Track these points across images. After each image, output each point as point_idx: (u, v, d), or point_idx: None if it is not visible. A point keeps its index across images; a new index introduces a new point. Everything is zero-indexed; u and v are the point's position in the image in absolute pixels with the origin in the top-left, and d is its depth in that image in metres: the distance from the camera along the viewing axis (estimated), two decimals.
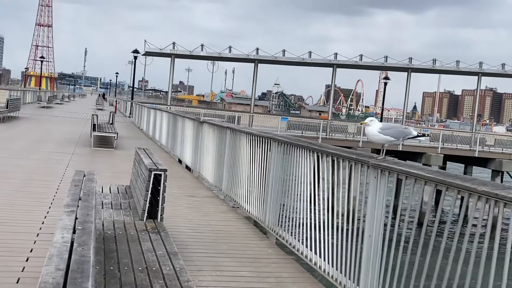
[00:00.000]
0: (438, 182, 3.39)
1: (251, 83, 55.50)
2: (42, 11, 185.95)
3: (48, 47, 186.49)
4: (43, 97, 44.93)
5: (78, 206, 2.83)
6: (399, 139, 4.21)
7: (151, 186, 4.88)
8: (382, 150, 4.30)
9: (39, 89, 72.37)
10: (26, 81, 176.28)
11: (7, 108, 22.70)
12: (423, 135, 4.38)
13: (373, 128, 4.23)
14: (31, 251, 5.19)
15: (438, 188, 3.43)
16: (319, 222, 5.26)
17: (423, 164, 32.77)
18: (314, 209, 5.44)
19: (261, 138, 7.24)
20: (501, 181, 30.83)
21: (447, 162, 36.18)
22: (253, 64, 54.49)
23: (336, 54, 54.56)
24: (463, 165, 36.53)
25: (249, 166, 7.67)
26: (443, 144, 34.69)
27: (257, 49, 54.17)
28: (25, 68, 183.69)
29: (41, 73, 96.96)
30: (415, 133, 4.16)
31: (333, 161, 5.09)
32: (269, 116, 51.68)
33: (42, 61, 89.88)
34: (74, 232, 2.35)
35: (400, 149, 32.70)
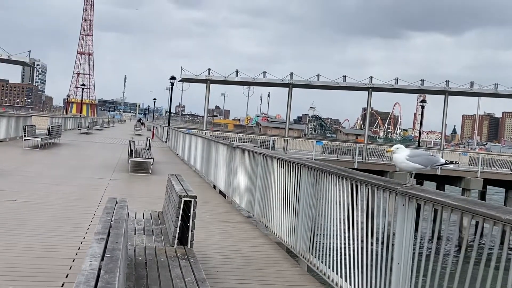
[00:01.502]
0: (463, 210, 3.38)
1: (286, 107, 55.69)
2: (83, 40, 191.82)
3: (89, 74, 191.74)
4: (83, 123, 46.10)
5: (108, 234, 2.93)
6: (426, 166, 4.21)
7: (181, 212, 4.98)
8: (410, 177, 4.30)
9: (80, 115, 74.27)
10: (68, 107, 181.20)
11: (48, 134, 23.38)
12: (451, 163, 4.36)
13: (401, 156, 4.24)
14: (66, 276, 5.34)
15: (463, 216, 3.42)
16: (350, 249, 5.25)
17: (463, 189, 32.13)
18: (344, 236, 5.44)
19: (291, 164, 7.29)
20: None
21: (487, 186, 35.33)
22: (287, 88, 54.73)
23: (371, 77, 54.40)
24: (504, 190, 35.60)
25: (280, 191, 7.72)
26: (483, 168, 33.97)
27: (291, 73, 54.47)
28: (67, 95, 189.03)
29: (82, 100, 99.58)
30: (442, 161, 4.16)
31: (357, 186, 5.10)
32: (304, 140, 51.60)
33: (83, 89, 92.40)
34: (102, 259, 2.45)
35: (439, 174, 32.16)
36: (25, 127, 22.36)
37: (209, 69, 54.29)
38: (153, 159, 16.38)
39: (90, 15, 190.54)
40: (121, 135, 43.85)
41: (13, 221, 7.76)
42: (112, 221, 3.36)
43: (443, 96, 53.23)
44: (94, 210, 9.06)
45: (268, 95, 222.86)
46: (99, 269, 2.29)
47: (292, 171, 7.21)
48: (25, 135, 21.70)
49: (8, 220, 7.79)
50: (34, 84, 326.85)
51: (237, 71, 54.76)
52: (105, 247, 2.66)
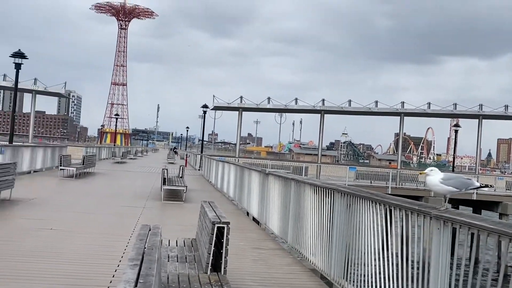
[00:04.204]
0: (501, 233, 3.31)
1: (318, 133, 55.61)
2: (117, 70, 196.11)
3: (122, 104, 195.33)
4: (117, 153, 46.84)
5: (142, 260, 2.96)
6: (461, 189, 4.14)
7: (214, 239, 4.99)
8: (444, 201, 4.24)
9: (114, 145, 75.50)
10: (102, 137, 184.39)
11: (83, 164, 23.84)
12: (486, 186, 4.27)
13: (435, 178, 4.18)
14: None
15: (501, 239, 3.34)
16: (385, 275, 5.16)
17: (500, 214, 31.31)
18: (379, 262, 5.36)
19: (324, 189, 7.26)
20: None
21: None
22: (319, 114, 54.73)
23: (403, 102, 54.01)
24: None
25: (313, 217, 7.68)
26: None
27: (323, 100, 54.51)
28: (101, 125, 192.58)
29: (116, 130, 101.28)
30: (477, 184, 4.09)
31: (391, 210, 5.04)
32: (337, 166, 51.28)
33: (117, 118, 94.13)
34: (136, 285, 2.47)
35: (475, 198, 31.49)
36: (61, 157, 22.85)
37: (241, 97, 54.74)
38: (186, 186, 16.49)
39: (124, 47, 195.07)
40: (154, 164, 44.34)
41: (50, 249, 7.89)
42: (145, 247, 3.40)
43: (477, 120, 52.35)
44: (128, 238, 9.14)
45: (300, 122, 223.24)
46: None
47: (325, 196, 7.17)
48: (60, 165, 22.17)
49: (45, 248, 7.92)
50: (69, 115, 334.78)
51: (269, 98, 55.07)
52: (139, 273, 2.69)
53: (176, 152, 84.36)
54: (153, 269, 2.76)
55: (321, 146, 57.95)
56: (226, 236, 5.01)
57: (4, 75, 59.76)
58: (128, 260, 3.00)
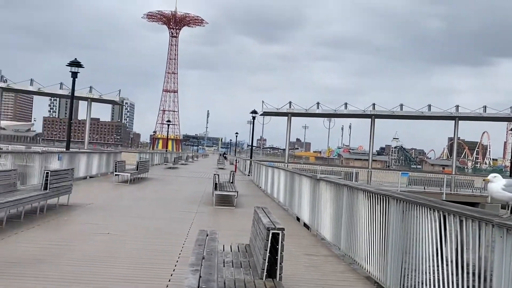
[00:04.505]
0: None
1: (369, 138, 54.91)
2: (168, 78, 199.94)
3: (174, 111, 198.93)
4: (169, 158, 47.63)
5: (202, 265, 3.00)
6: None
7: (269, 245, 4.99)
8: (508, 208, 4.10)
9: (166, 151, 76.83)
10: (154, 143, 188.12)
11: (137, 170, 24.38)
12: None
13: (497, 185, 4.07)
14: None
15: None
16: (443, 283, 5.03)
17: None
18: (437, 270, 5.23)
19: (378, 196, 7.15)
20: None
21: None
22: (370, 119, 54.03)
23: (457, 106, 52.66)
24: None
25: (367, 224, 7.57)
26: None
27: (374, 104, 53.84)
28: (153, 132, 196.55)
29: (167, 136, 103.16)
30: None
31: (448, 218, 4.91)
32: (389, 172, 50.47)
33: (168, 125, 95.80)
34: None
35: None
36: (116, 163, 23.42)
37: (290, 102, 54.75)
38: (237, 192, 16.60)
39: (175, 54, 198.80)
40: (205, 169, 44.84)
41: (107, 254, 8.09)
42: (204, 253, 3.44)
43: None
44: (182, 242, 9.27)
45: (350, 127, 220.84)
46: None
47: (379, 203, 7.07)
48: (115, 171, 22.72)
49: (102, 253, 8.13)
50: (122, 122, 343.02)
51: (318, 103, 54.87)
52: (200, 278, 2.73)
53: (225, 158, 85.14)
54: (213, 275, 2.79)
55: (372, 151, 57.20)
56: (281, 242, 5.01)
57: (61, 84, 61.79)
58: (189, 265, 3.04)
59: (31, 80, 61.69)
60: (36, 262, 7.16)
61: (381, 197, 7.03)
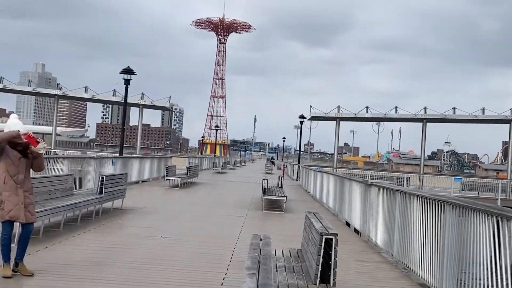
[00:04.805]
0: None
1: (419, 143, 53.88)
2: (216, 84, 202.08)
3: (221, 116, 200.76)
4: (217, 163, 48.09)
5: (258, 269, 3.03)
6: None
7: (322, 250, 4.98)
8: None
9: (214, 155, 77.60)
10: (203, 148, 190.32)
11: (187, 174, 24.72)
12: None
13: None
14: None
15: None
16: None
17: None
18: (495, 278, 5.08)
19: (433, 201, 7.01)
20: None
21: None
22: (421, 123, 53.04)
23: None
24: None
25: (421, 230, 7.43)
26: None
27: (425, 108, 52.81)
28: (202, 137, 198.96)
29: (215, 141, 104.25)
30: None
31: (502, 222, 4.76)
32: (441, 177, 49.31)
33: (216, 130, 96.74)
34: None
35: None
36: (167, 167, 23.84)
37: (338, 107, 54.32)
38: (286, 197, 16.59)
39: (223, 60, 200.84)
40: (252, 174, 45.02)
41: (160, 257, 8.24)
42: (259, 257, 3.46)
43: None
44: (233, 246, 9.35)
45: (399, 131, 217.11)
46: None
47: (434, 208, 6.93)
48: (166, 175, 23.12)
49: (156, 256, 8.28)
50: (172, 127, 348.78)
51: (367, 107, 54.25)
52: (257, 282, 2.75)
53: (273, 163, 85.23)
54: (270, 279, 2.82)
55: (423, 156, 56.05)
56: (335, 248, 4.99)
57: (114, 91, 63.34)
58: (245, 269, 3.07)
59: (86, 87, 63.51)
60: (93, 264, 7.37)
61: (436, 202, 6.90)
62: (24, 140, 6.43)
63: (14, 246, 6.77)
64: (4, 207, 6.30)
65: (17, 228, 6.90)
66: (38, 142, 6.54)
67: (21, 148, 6.42)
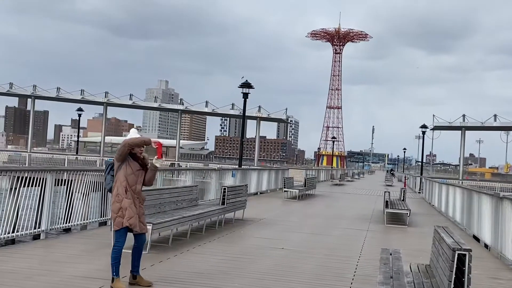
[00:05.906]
0: None
1: None
2: (332, 95, 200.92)
3: (338, 127, 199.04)
4: (335, 175, 47.67)
5: (392, 285, 2.95)
6: None
7: (455, 266, 4.74)
8: None
9: (331, 167, 77.06)
10: (319, 160, 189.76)
11: (305, 186, 24.79)
12: None
13: None
14: None
15: None
16: None
17: None
18: None
19: None
20: None
21: None
22: None
23: None
24: None
25: None
26: None
27: None
28: (318, 148, 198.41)
29: (332, 152, 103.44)
30: None
31: None
32: None
33: (333, 141, 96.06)
34: None
35: None
36: (285, 179, 24.09)
37: (463, 115, 51.65)
38: (410, 210, 16.03)
39: (338, 70, 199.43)
40: (372, 186, 44.07)
41: (283, 268, 8.29)
42: (392, 272, 3.38)
43: None
44: (356, 260, 9.20)
45: None
46: None
47: None
48: (284, 187, 23.35)
49: (279, 267, 8.36)
50: (287, 139, 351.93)
51: (495, 115, 51.03)
52: None
53: (393, 174, 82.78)
54: None
55: None
56: (468, 264, 4.73)
57: (232, 104, 65.21)
58: (378, 284, 3.02)
59: (206, 102, 66.00)
60: (221, 273, 7.59)
61: None
62: (154, 147, 6.69)
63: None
64: (126, 214, 6.41)
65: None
66: (162, 156, 6.84)
67: (141, 162, 6.69)
